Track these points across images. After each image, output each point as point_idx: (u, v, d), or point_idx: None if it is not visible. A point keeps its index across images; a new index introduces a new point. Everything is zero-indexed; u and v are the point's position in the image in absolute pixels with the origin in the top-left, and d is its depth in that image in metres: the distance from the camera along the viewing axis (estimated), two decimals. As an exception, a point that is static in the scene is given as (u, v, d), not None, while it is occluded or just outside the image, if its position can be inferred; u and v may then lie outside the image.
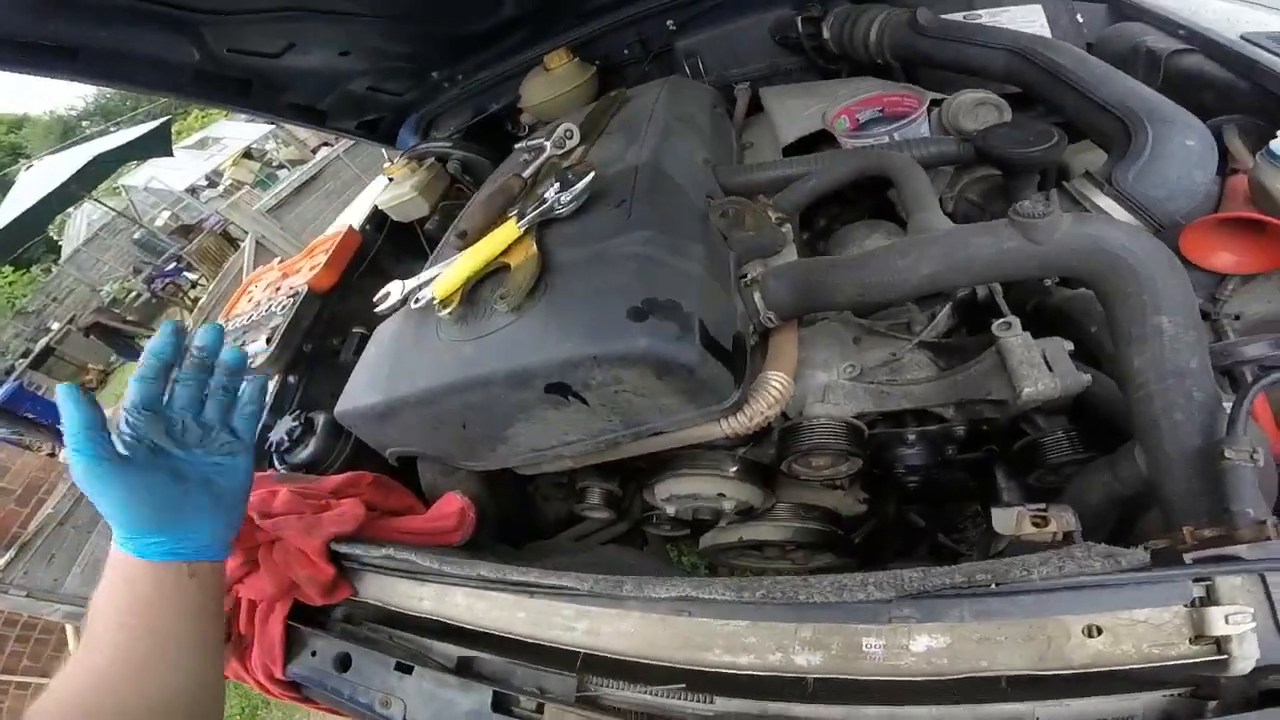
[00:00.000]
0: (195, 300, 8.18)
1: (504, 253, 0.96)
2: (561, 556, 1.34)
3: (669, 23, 1.80)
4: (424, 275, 1.06)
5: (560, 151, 1.22)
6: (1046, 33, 1.45)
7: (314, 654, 0.89)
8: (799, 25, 1.58)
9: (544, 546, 1.43)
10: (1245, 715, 0.54)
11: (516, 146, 1.31)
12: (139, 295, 9.02)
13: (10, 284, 11.80)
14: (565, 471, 1.33)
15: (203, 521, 0.66)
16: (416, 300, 0.98)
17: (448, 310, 0.94)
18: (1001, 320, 0.92)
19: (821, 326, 1.15)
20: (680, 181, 1.05)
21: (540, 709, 0.70)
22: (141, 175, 11.43)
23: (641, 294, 0.78)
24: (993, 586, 0.58)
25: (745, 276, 0.98)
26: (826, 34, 1.53)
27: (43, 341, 7.67)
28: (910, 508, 1.41)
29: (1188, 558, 0.59)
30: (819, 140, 1.37)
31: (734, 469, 1.13)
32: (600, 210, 0.97)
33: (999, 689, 0.60)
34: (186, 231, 10.16)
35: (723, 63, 1.79)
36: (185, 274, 9.19)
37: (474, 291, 0.97)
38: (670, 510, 1.20)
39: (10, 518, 3.66)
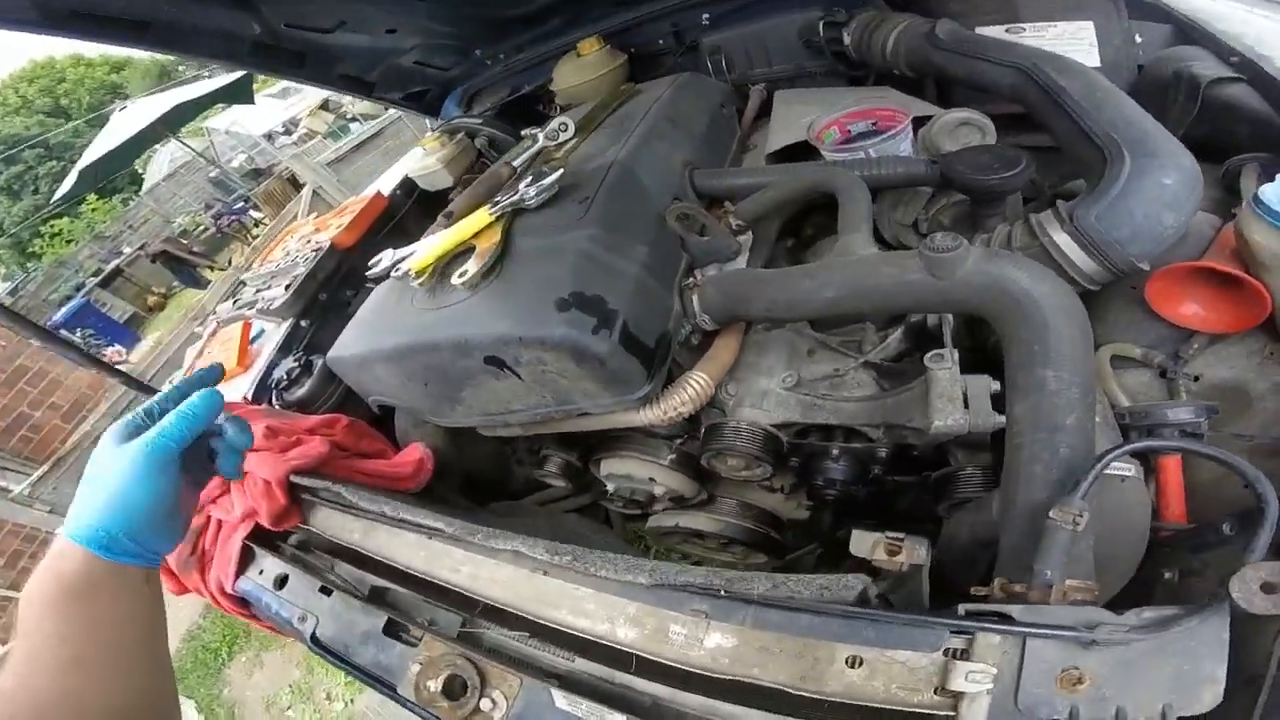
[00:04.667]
0: (254, 237, 8.96)
1: (475, 236, 1.12)
2: (520, 518, 1.49)
3: (704, 16, 1.86)
4: (412, 248, 1.23)
5: (553, 143, 1.37)
6: (1094, 52, 1.42)
7: (261, 572, 1.08)
8: (821, 29, 1.64)
9: (507, 507, 1.58)
10: None
11: (522, 133, 1.45)
12: (206, 229, 9.92)
13: (93, 210, 13.37)
14: (536, 439, 1.47)
15: (176, 534, 0.69)
16: (397, 270, 1.15)
17: (419, 281, 1.11)
18: (935, 351, 0.96)
19: (777, 335, 1.22)
20: (647, 183, 1.18)
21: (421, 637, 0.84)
22: (225, 118, 12.46)
23: (571, 287, 0.92)
24: (720, 593, 0.65)
25: (690, 281, 1.10)
26: (847, 40, 1.57)
27: (113, 263, 8.55)
28: (865, 522, 1.48)
29: (962, 609, 0.61)
30: (810, 149, 1.44)
31: (669, 457, 1.26)
32: (565, 205, 1.11)
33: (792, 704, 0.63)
34: (258, 175, 11.03)
35: (749, 61, 1.86)
36: (251, 213, 10.01)
37: (446, 268, 1.13)
38: (611, 487, 1.34)
39: (54, 433, 3.91)
